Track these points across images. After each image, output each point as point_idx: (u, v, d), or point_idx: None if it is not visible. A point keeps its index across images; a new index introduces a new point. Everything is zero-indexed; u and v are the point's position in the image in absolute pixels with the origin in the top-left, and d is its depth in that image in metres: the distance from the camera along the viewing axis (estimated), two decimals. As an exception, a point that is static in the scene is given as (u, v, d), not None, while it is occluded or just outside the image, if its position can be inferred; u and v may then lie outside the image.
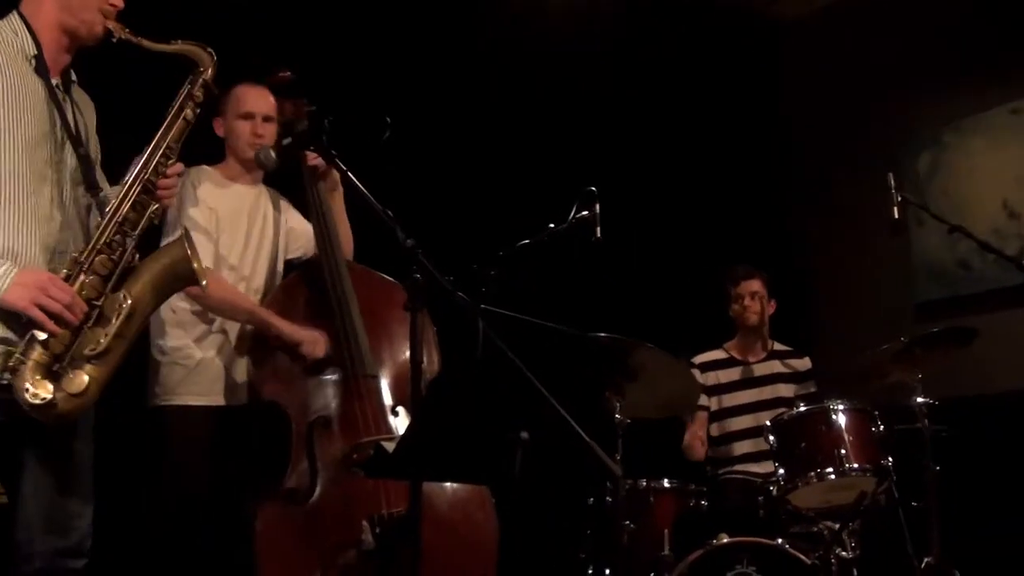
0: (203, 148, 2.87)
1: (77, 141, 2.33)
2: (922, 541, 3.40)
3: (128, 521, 2.60)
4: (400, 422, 2.97)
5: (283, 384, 2.97)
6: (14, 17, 2.30)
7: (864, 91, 5.76)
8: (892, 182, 3.72)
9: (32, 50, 2.28)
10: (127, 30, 2.35)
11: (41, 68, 2.28)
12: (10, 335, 2.12)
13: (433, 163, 4.35)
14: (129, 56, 2.39)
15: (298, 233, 3.29)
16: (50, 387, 2.08)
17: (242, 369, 3.04)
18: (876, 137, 5.65)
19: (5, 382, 2.08)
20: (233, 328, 3.04)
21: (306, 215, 3.26)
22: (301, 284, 3.15)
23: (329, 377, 2.99)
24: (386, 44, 4.38)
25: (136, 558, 2.99)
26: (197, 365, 2.97)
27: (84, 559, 2.31)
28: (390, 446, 2.37)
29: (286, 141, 2.99)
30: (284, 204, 3.29)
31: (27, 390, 2.06)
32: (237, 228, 3.08)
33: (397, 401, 3.02)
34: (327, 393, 2.98)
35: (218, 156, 3.17)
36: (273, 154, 2.75)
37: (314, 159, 3.09)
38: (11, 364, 2.08)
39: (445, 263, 2.35)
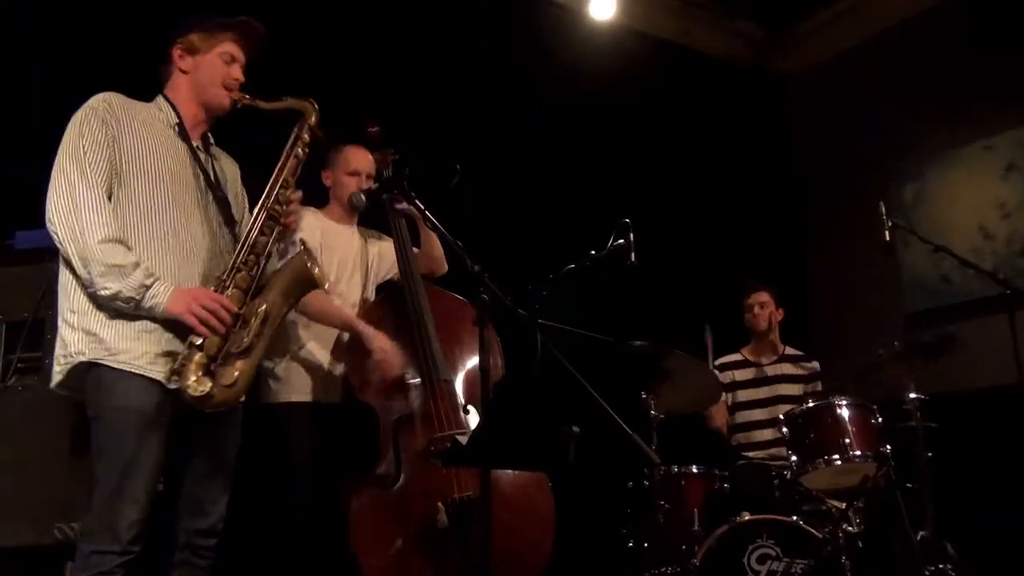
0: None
1: (215, 187, 2.40)
2: (917, 518, 3.33)
3: (243, 499, 2.61)
4: (471, 419, 2.95)
5: (373, 387, 2.97)
6: (159, 98, 2.41)
7: (859, 132, 5.72)
8: (883, 210, 3.68)
9: (174, 119, 2.38)
10: (247, 96, 2.42)
11: (182, 133, 2.37)
12: (175, 347, 2.18)
13: (495, 201, 4.37)
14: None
15: (385, 259, 3.31)
16: (208, 383, 2.13)
17: (337, 371, 3.06)
18: (869, 171, 5.58)
19: (173, 385, 2.13)
20: (330, 338, 3.06)
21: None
22: (386, 304, 3.16)
23: (411, 381, 2.99)
24: (455, 101, 4.43)
25: (250, 530, 3.02)
26: (303, 368, 2.99)
27: (216, 539, 2.34)
28: (463, 439, 2.38)
29: (373, 186, 3.04)
30: (374, 239, 3.32)
31: (190, 386, 2.11)
32: (336, 260, 3.12)
33: (468, 401, 3.01)
34: (409, 395, 2.98)
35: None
36: (363, 197, 2.79)
37: (397, 200, 3.12)
38: (175, 367, 2.13)
39: (505, 284, 2.37)
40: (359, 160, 3.14)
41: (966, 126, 5.17)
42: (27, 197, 3.09)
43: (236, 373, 2.18)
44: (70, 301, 2.18)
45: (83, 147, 2.17)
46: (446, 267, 3.33)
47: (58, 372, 2.19)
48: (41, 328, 2.62)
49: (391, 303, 3.15)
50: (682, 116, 5.49)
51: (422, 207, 2.55)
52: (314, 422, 2.98)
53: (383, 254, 3.31)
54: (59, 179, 2.15)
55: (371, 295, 3.26)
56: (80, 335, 2.15)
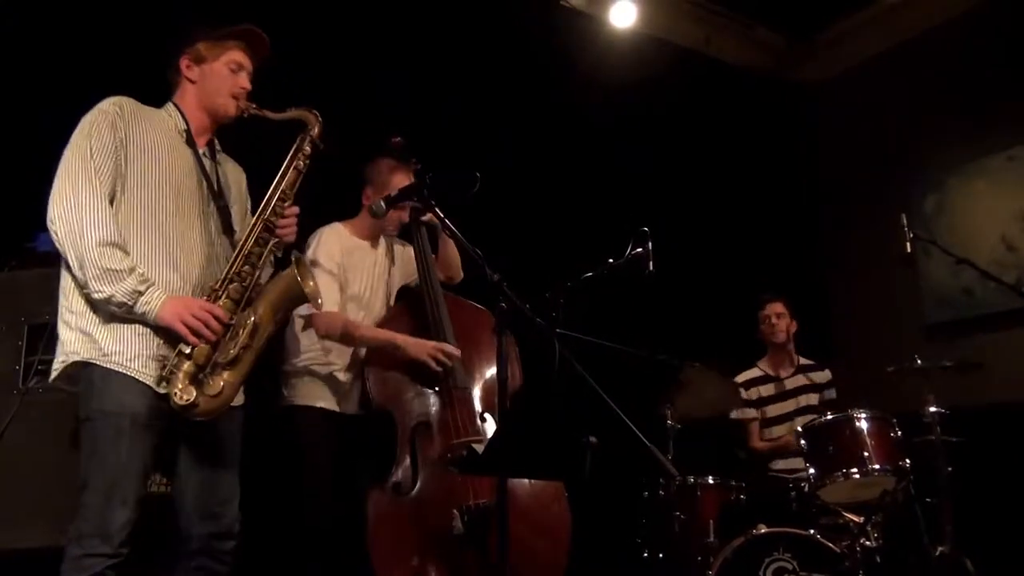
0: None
1: (218, 195, 2.41)
2: (937, 533, 3.30)
3: (262, 505, 2.62)
4: (488, 427, 2.96)
5: (392, 395, 2.97)
6: (168, 105, 2.44)
7: (878, 142, 5.70)
8: (904, 221, 3.64)
9: (182, 125, 2.40)
10: (254, 106, 2.45)
11: (190, 140, 2.39)
12: (166, 352, 2.18)
13: (514, 209, 4.37)
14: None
15: (407, 266, 3.31)
16: (193, 391, 2.13)
17: (354, 381, 3.06)
18: (889, 181, 5.55)
19: (163, 390, 2.14)
20: (348, 348, 3.06)
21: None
22: (405, 311, 3.16)
23: (429, 389, 2.99)
24: (474, 109, 4.44)
25: (268, 533, 3.02)
26: (321, 374, 3.00)
27: (233, 541, 2.33)
28: (479, 448, 2.37)
29: (394, 194, 3.03)
30: (397, 247, 3.33)
31: (176, 394, 2.12)
32: (360, 278, 3.13)
33: (485, 409, 3.01)
34: (427, 402, 2.98)
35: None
36: (384, 205, 2.79)
37: (420, 212, 3.14)
38: (164, 374, 2.14)
39: (524, 292, 2.36)
40: (401, 183, 3.09)
41: (988, 136, 5.13)
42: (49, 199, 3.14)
43: (222, 383, 2.17)
44: (68, 301, 2.20)
45: (91, 148, 2.18)
46: (462, 274, 3.34)
47: (55, 370, 2.21)
48: (62, 331, 2.63)
49: (411, 311, 3.15)
50: (702, 124, 5.47)
51: (442, 215, 2.55)
52: (331, 428, 2.99)
53: (406, 261, 3.32)
54: (64, 179, 2.16)
55: (391, 304, 3.26)
56: (77, 335, 2.17)
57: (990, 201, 5.11)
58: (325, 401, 3.01)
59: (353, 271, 3.11)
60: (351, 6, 4.12)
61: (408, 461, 2.89)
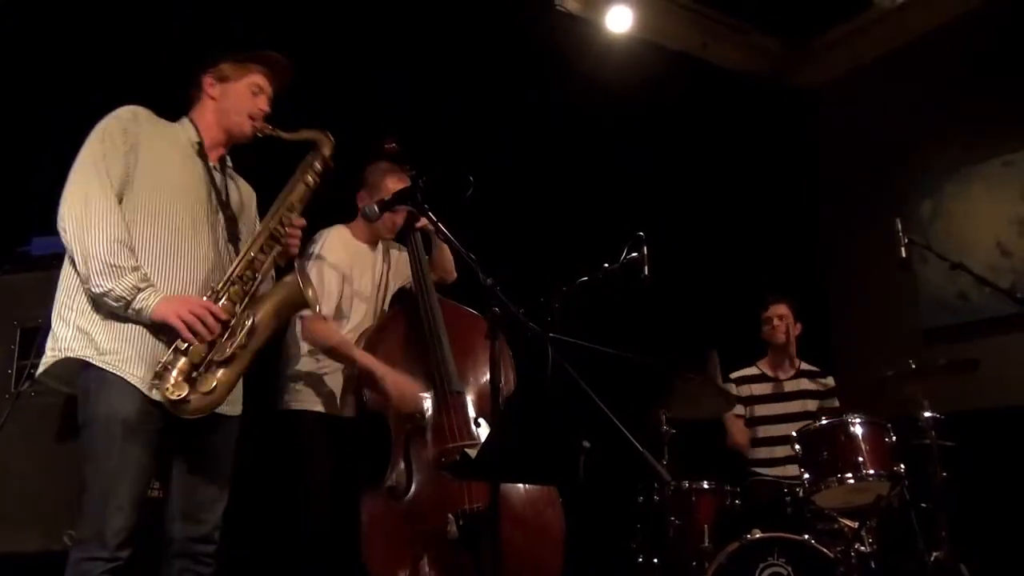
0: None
1: (225, 206, 2.44)
2: (931, 539, 3.28)
3: (259, 508, 2.61)
4: (482, 431, 2.94)
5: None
6: (184, 119, 2.49)
7: (876, 147, 5.70)
8: (899, 226, 3.63)
9: (195, 138, 2.45)
10: (269, 127, 2.50)
11: (201, 152, 2.44)
12: (162, 354, 2.18)
13: (509, 213, 4.36)
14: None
15: (400, 271, 3.32)
16: (186, 388, 2.13)
17: (352, 385, 3.05)
18: (886, 187, 5.55)
19: (155, 396, 2.13)
20: None
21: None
22: (400, 315, 3.15)
23: (424, 393, 2.98)
24: (471, 113, 4.44)
25: (260, 539, 3.01)
26: (320, 380, 3.00)
27: (214, 545, 2.33)
28: (473, 452, 2.36)
29: (387, 198, 3.03)
30: (393, 251, 3.33)
31: (168, 390, 2.12)
32: (358, 279, 3.12)
33: (479, 413, 3.00)
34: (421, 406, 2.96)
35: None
36: (377, 209, 2.78)
37: (412, 214, 3.13)
38: (158, 370, 2.14)
39: (518, 297, 2.35)
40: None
41: (985, 142, 5.14)
42: (44, 202, 3.14)
43: (215, 382, 2.17)
44: (71, 299, 2.21)
45: (103, 152, 2.22)
46: (455, 275, 3.34)
47: (44, 363, 2.21)
48: (55, 334, 2.62)
49: (405, 315, 3.14)
50: (701, 128, 5.48)
51: (435, 219, 2.55)
52: (329, 432, 2.98)
53: (399, 267, 3.32)
54: (75, 179, 2.20)
55: (385, 308, 3.26)
56: (73, 332, 2.18)
57: (986, 206, 5.12)
58: (322, 405, 3.00)
59: (356, 273, 3.11)
60: (351, 7, 4.12)
61: (403, 465, 2.88)
